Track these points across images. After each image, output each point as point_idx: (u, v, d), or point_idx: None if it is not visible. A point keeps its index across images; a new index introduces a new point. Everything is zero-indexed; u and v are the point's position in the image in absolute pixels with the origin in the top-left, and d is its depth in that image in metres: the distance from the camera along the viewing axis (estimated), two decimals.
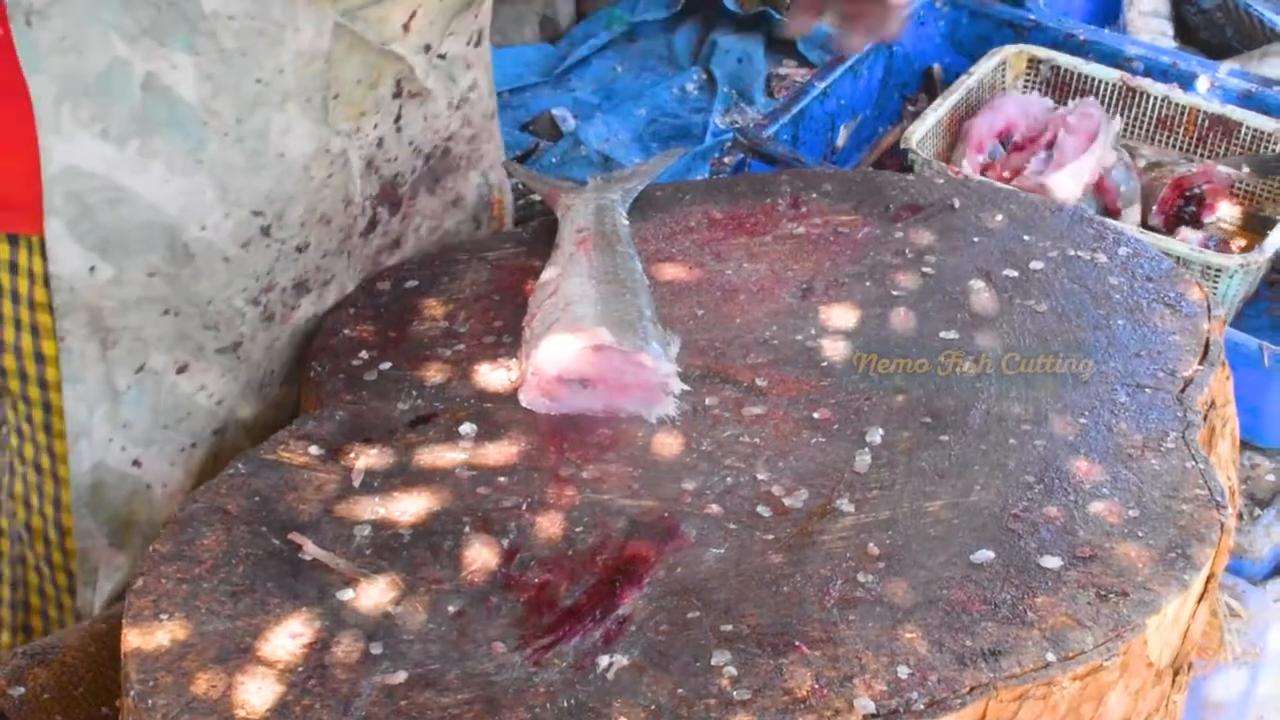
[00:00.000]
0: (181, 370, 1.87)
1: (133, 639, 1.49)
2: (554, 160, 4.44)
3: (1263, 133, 2.76)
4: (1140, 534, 1.60)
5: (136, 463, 1.89)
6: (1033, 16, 3.01)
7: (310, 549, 1.59)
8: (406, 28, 1.84)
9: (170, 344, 1.86)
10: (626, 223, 2.02)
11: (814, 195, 2.09)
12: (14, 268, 1.83)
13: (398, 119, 1.89)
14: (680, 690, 1.44)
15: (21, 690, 1.69)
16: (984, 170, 2.73)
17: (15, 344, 1.85)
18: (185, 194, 1.80)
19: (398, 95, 1.88)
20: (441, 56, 1.92)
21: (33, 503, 1.95)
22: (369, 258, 1.97)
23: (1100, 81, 2.86)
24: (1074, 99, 2.85)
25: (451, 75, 1.96)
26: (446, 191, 2.01)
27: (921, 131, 2.70)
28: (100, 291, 1.82)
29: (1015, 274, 1.95)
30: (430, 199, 2.00)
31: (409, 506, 1.65)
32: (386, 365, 1.84)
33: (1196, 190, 2.72)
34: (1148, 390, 1.78)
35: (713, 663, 1.47)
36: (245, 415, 1.94)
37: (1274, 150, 2.75)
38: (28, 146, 1.76)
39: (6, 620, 2.06)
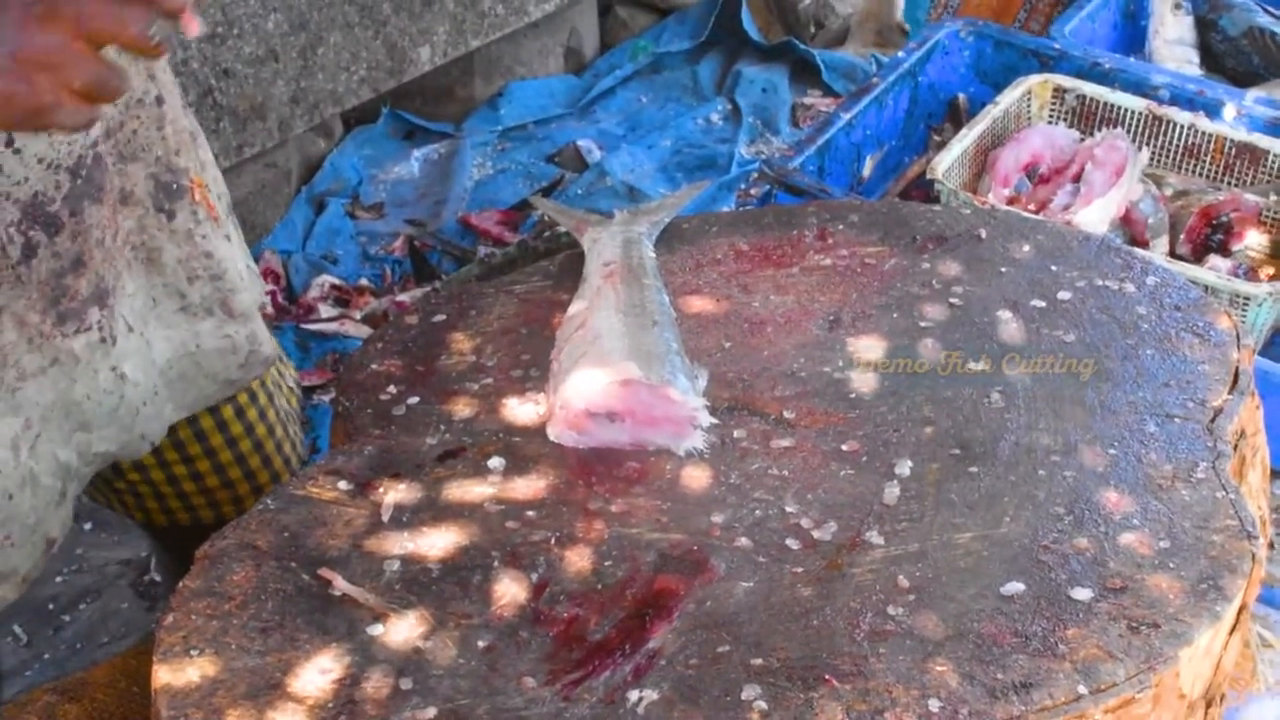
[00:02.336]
0: None
1: (163, 675, 1.50)
2: (579, 191, 4.45)
3: None
4: (1171, 565, 1.60)
5: None
6: (1058, 46, 3.01)
7: (340, 584, 1.59)
8: None
9: None
10: (653, 256, 2.03)
11: (840, 227, 2.09)
12: None
13: (10, 143, 1.78)
14: None
15: None
16: (1010, 203, 2.73)
17: None
18: None
19: None
20: None
21: None
22: (46, 283, 1.85)
23: (1126, 110, 2.86)
24: (1100, 128, 2.85)
25: None
26: (110, 194, 1.92)
27: (947, 162, 2.70)
28: None
29: (1043, 304, 1.94)
30: (100, 208, 1.90)
31: (438, 541, 1.65)
32: (414, 400, 1.85)
33: (1224, 218, 2.71)
34: (1177, 420, 1.77)
35: (743, 697, 1.46)
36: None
37: None
38: None
39: None
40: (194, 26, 1.49)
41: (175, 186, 1.97)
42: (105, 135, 1.89)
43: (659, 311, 1.90)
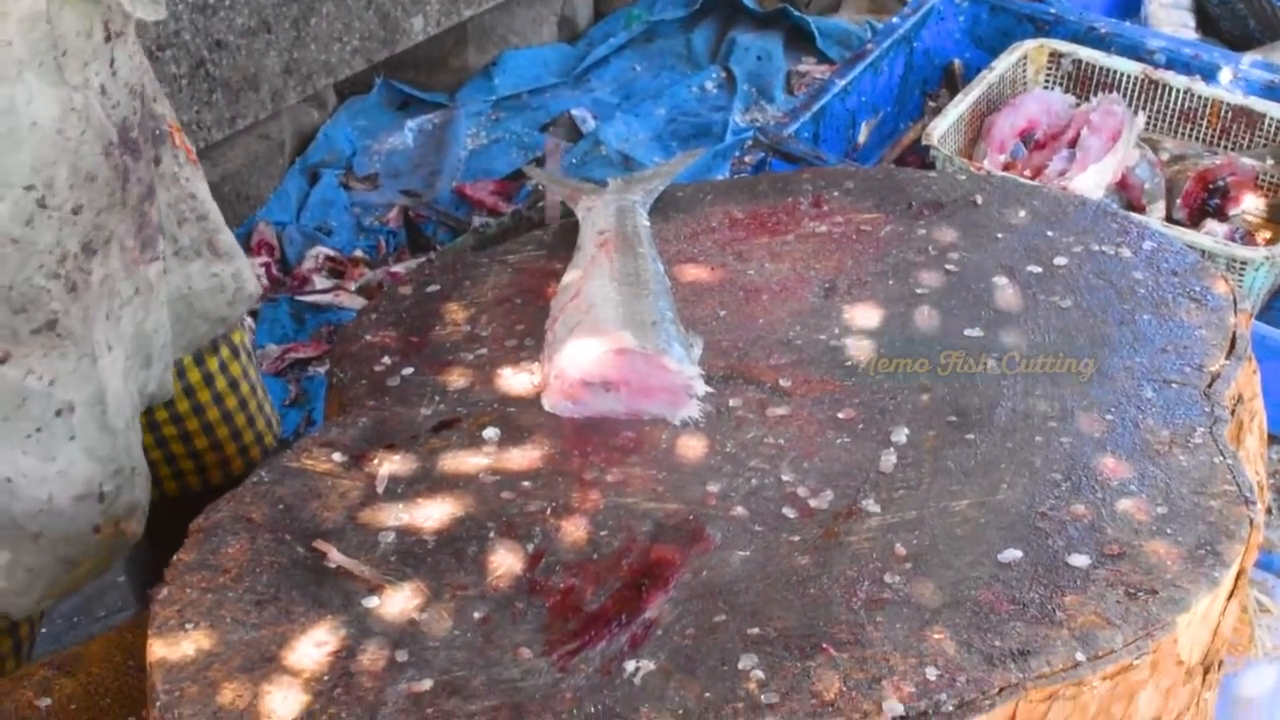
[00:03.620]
0: (3, 360, 1.82)
1: (158, 649, 1.50)
2: (574, 160, 4.45)
3: None
4: (1169, 531, 1.60)
5: None
6: (1053, 10, 3.01)
7: (335, 556, 1.59)
8: None
9: (8, 325, 1.82)
10: (648, 224, 2.02)
11: (836, 194, 2.09)
12: None
13: (112, 63, 1.85)
14: (707, 694, 1.44)
15: (48, 701, 1.70)
16: (1006, 169, 2.72)
17: None
18: None
19: (108, 39, 1.84)
20: None
21: None
22: (134, 209, 1.92)
23: (1122, 75, 2.86)
24: (1096, 93, 2.84)
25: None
26: (158, 130, 1.98)
27: (943, 128, 2.69)
28: None
29: (1039, 270, 1.94)
30: (156, 146, 1.97)
31: (433, 512, 1.65)
32: (409, 370, 1.85)
33: (1221, 183, 2.71)
34: (1174, 385, 1.77)
35: (740, 666, 1.46)
36: (89, 393, 1.89)
37: None
38: None
39: None
40: None
41: (158, 132, 2.01)
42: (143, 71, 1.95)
43: (654, 280, 1.90)
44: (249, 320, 2.25)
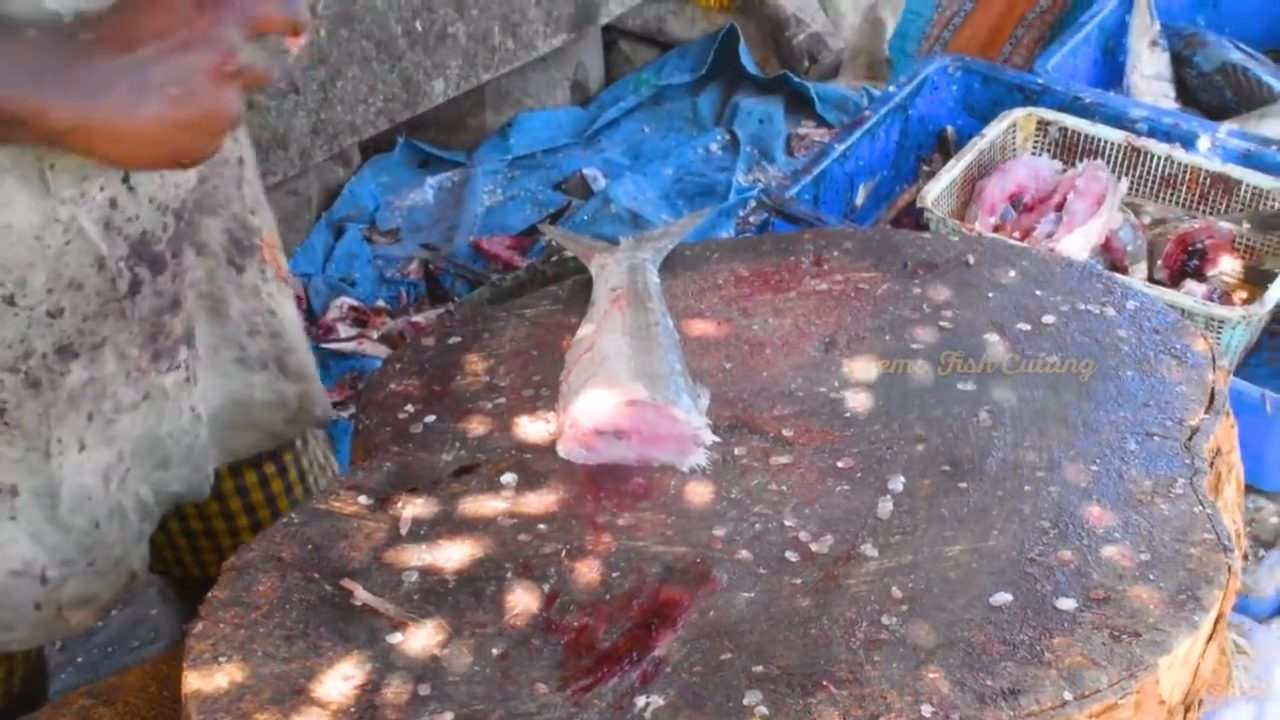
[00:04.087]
0: None
1: (193, 681, 1.50)
2: (585, 217, 4.46)
3: (1262, 190, 2.76)
4: (1151, 577, 1.60)
5: None
6: (1041, 80, 3.02)
7: (361, 594, 1.59)
8: None
9: None
10: (658, 281, 2.03)
11: (835, 253, 2.10)
12: None
13: (126, 179, 1.77)
14: None
15: None
16: (996, 231, 2.73)
17: None
18: None
19: None
20: None
21: None
22: (146, 320, 1.84)
23: (1106, 142, 2.87)
24: (1081, 159, 2.85)
25: None
26: (197, 243, 1.92)
27: (936, 191, 2.70)
28: None
29: (1028, 327, 1.95)
30: (193, 254, 1.91)
31: (454, 553, 1.65)
32: (431, 418, 1.85)
33: (1199, 245, 2.72)
34: (1156, 438, 1.78)
35: (745, 702, 1.47)
36: (36, 484, 1.80)
37: (1273, 207, 2.75)
38: None
39: None
40: (298, 41, 1.53)
41: (247, 243, 1.98)
42: (209, 189, 1.91)
43: (663, 335, 1.90)
44: (318, 441, 2.20)
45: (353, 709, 1.47)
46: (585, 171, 4.68)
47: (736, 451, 1.78)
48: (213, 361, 1.96)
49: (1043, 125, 2.92)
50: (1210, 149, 2.86)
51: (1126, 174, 2.84)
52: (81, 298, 1.77)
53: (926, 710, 1.45)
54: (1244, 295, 2.70)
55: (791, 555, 1.64)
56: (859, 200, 2.95)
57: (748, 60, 4.99)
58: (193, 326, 1.93)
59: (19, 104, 1.48)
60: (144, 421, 1.88)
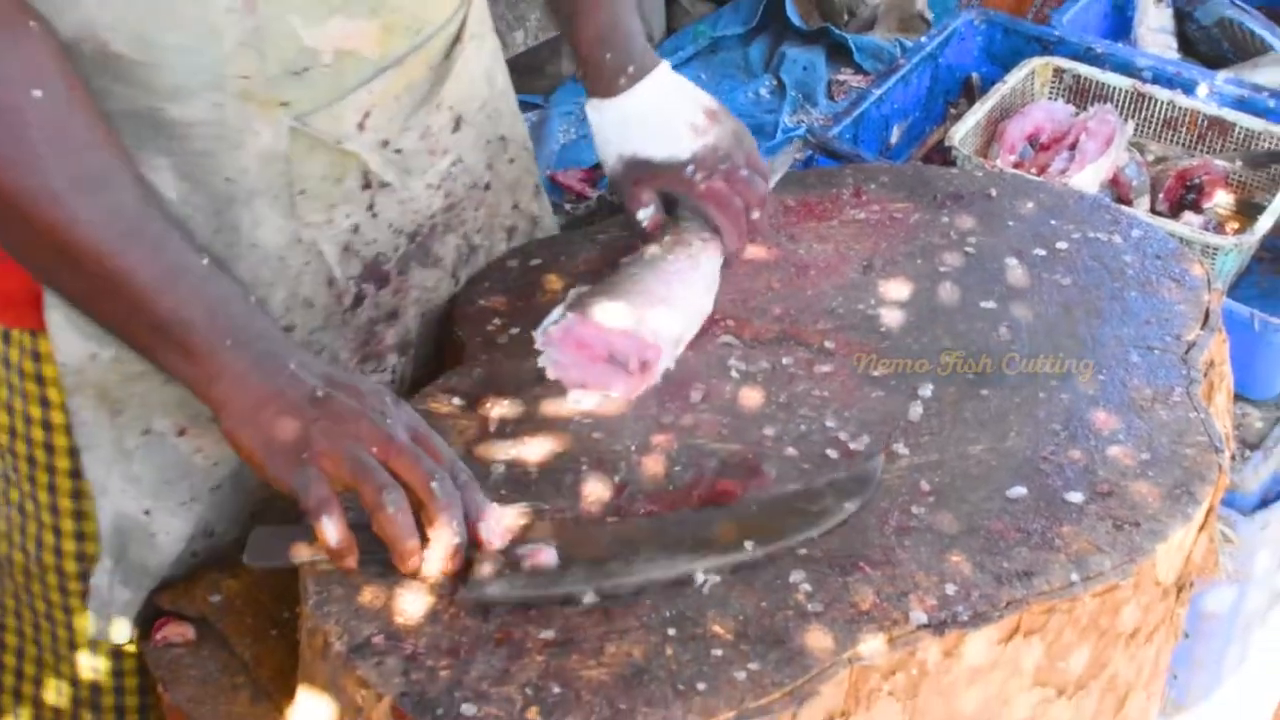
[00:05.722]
0: (181, 434, 1.75)
1: (305, 554, 1.51)
2: None
3: (1253, 132, 2.73)
4: (1151, 474, 1.60)
5: (147, 512, 1.77)
6: (1057, 33, 2.99)
7: None
8: (361, 127, 1.71)
9: (171, 409, 1.73)
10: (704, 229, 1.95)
11: (872, 186, 2.09)
12: (16, 360, 1.76)
13: (370, 206, 1.77)
14: (763, 604, 1.46)
15: (219, 597, 1.72)
16: (1016, 167, 2.71)
17: (24, 414, 1.78)
18: None
19: (367, 187, 1.76)
20: (398, 151, 1.78)
21: (46, 541, 1.86)
22: (361, 328, 1.85)
23: (1115, 88, 2.84)
24: (1093, 104, 2.82)
25: (407, 167, 1.80)
26: (430, 257, 1.91)
27: (963, 131, 2.68)
28: (104, 370, 1.70)
29: (1044, 253, 1.94)
30: (422, 270, 1.90)
31: (536, 449, 1.66)
32: (515, 330, 1.85)
33: (1197, 181, 2.69)
34: (1157, 352, 1.77)
35: (790, 580, 1.48)
36: (245, 474, 1.78)
37: (1263, 147, 2.72)
38: None
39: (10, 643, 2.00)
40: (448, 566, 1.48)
41: (470, 256, 1.99)
42: (445, 209, 1.90)
43: (682, 299, 1.83)
44: None
45: (446, 582, 1.48)
46: None
47: (784, 361, 1.79)
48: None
49: (1058, 73, 2.89)
50: (1208, 95, 2.83)
51: (1132, 117, 2.82)
52: (311, 314, 1.78)
53: (950, 589, 1.47)
54: (1235, 226, 2.68)
55: (832, 453, 1.65)
56: (893, 139, 2.93)
57: (793, 14, 4.95)
58: (411, 338, 1.92)
59: (209, 362, 1.50)
60: None
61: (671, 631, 1.43)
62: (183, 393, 1.58)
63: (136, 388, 1.71)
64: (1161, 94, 2.81)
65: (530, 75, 4.75)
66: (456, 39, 1.84)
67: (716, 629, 1.43)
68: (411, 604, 1.46)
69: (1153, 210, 2.69)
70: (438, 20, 1.79)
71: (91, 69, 1.55)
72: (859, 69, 4.81)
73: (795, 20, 4.99)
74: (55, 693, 1.93)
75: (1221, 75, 2.89)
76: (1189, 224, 2.58)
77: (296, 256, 1.74)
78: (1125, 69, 2.87)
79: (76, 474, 1.77)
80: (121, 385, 1.71)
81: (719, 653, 1.41)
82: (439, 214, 1.89)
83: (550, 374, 1.75)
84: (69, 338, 1.67)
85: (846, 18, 5.00)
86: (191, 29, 1.56)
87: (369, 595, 1.47)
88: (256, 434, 1.48)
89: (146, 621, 1.76)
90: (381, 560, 1.48)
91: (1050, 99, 2.88)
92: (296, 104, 1.65)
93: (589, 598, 1.46)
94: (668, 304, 1.80)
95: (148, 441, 1.75)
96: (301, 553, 1.50)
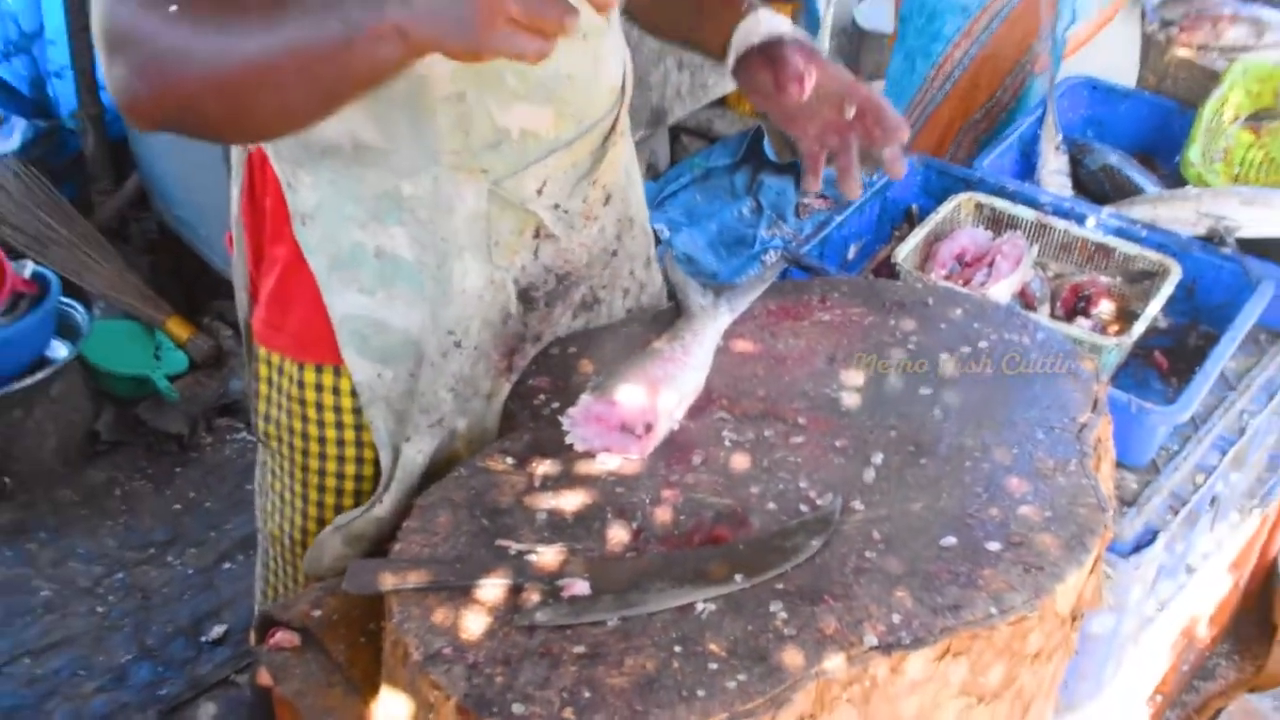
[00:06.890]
0: (407, 440, 1.86)
1: (391, 582, 1.52)
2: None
3: (1130, 255, 2.75)
4: (1053, 528, 1.61)
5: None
6: (979, 174, 3.01)
7: (510, 545, 1.60)
8: (540, 192, 1.80)
9: (414, 419, 1.85)
10: (712, 330, 1.96)
11: (835, 294, 2.10)
12: (320, 386, 1.88)
13: (535, 252, 1.85)
14: (749, 628, 1.47)
15: (319, 612, 1.72)
16: (946, 280, 2.72)
17: (320, 428, 1.91)
18: (418, 322, 1.80)
19: (536, 236, 1.84)
20: (565, 211, 1.86)
21: (296, 521, 1.99)
22: (508, 341, 1.90)
23: (1023, 219, 2.85)
24: (1006, 231, 2.84)
25: (571, 224, 1.88)
26: (567, 298, 1.96)
27: (905, 251, 2.69)
28: (388, 388, 1.83)
29: (969, 350, 1.95)
30: (562, 308, 1.95)
31: (571, 500, 1.67)
32: (556, 404, 1.86)
33: (1087, 293, 2.70)
34: (1057, 430, 1.78)
35: (770, 609, 1.49)
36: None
37: (1138, 267, 2.74)
38: (320, 302, 1.80)
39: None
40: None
41: (590, 303, 2.03)
42: (586, 264, 1.95)
43: (684, 385, 1.84)
44: None
45: (502, 607, 1.49)
46: (655, 226, 4.69)
47: (766, 433, 1.79)
48: None
49: (979, 205, 2.91)
50: (1095, 225, 2.84)
51: (1036, 241, 2.83)
52: (492, 333, 1.84)
53: (896, 618, 1.47)
54: (1116, 329, 2.68)
55: (804, 507, 1.66)
56: (851, 256, 2.94)
57: (770, 151, 5.00)
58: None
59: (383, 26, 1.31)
60: (479, 414, 1.91)
61: (677, 649, 1.44)
62: (412, 408, 1.80)
63: (403, 404, 1.83)
64: (1059, 224, 2.82)
65: None
66: (611, 131, 1.91)
67: (712, 647, 1.44)
68: (474, 623, 1.47)
69: (1052, 316, 2.69)
70: (597, 114, 1.86)
71: (350, 161, 1.68)
72: (820, 195, 4.84)
73: (771, 155, 5.02)
74: None
75: (1106, 210, 2.90)
76: (1081, 327, 2.58)
77: (490, 294, 1.82)
78: (1031, 203, 2.88)
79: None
80: (398, 401, 1.83)
81: (714, 666, 1.42)
82: (581, 267, 1.94)
83: (578, 448, 1.75)
84: (359, 363, 1.80)
85: None
86: (417, 115, 1.64)
87: (440, 615, 1.48)
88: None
89: (261, 629, 1.77)
90: (451, 588, 1.49)
91: (973, 226, 2.89)
92: (492, 171, 1.73)
93: (613, 621, 1.47)
94: (663, 383, 1.81)
95: (412, 442, 1.85)
96: (387, 580, 1.51)
